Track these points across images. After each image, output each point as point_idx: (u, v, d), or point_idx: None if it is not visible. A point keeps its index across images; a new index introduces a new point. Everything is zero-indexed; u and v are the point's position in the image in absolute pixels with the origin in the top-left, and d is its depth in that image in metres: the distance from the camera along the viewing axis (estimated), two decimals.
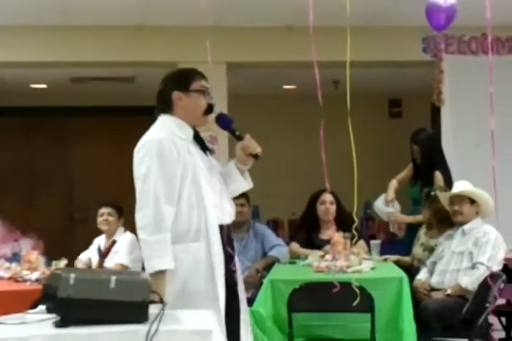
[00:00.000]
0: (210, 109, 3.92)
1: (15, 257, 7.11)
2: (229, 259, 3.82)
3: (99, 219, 6.43)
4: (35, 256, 5.95)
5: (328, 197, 6.48)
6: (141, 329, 2.86)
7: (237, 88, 8.37)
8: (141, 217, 3.64)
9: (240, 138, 3.99)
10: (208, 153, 3.96)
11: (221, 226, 3.80)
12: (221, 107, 7.58)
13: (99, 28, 7.42)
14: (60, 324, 2.91)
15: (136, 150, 3.76)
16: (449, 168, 6.81)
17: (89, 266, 6.41)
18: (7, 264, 6.10)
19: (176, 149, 3.72)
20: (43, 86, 9.66)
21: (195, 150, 3.86)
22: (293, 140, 10.29)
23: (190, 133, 3.89)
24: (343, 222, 6.41)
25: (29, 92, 9.93)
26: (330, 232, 6.14)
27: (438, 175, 6.60)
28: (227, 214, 3.88)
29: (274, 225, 10.10)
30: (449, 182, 6.52)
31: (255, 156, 4.00)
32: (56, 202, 10.51)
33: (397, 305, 5.05)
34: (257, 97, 10.40)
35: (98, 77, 8.91)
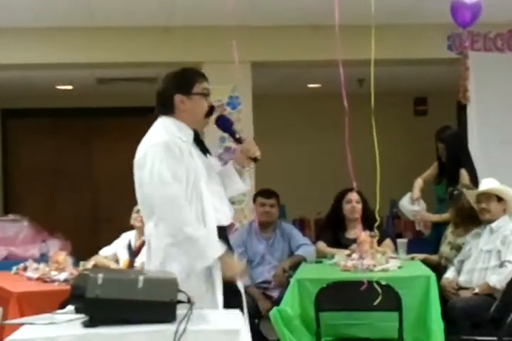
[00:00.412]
0: (211, 111, 3.91)
1: (43, 258, 7.16)
2: None
3: (134, 216, 6.36)
4: (63, 257, 5.97)
5: (354, 195, 6.46)
6: (169, 328, 2.87)
7: (262, 87, 8.37)
8: (176, 217, 3.64)
9: (239, 140, 3.97)
10: (207, 154, 3.95)
11: (219, 228, 3.81)
12: (246, 107, 7.62)
13: (124, 29, 7.45)
14: (89, 324, 2.93)
15: (141, 153, 3.76)
16: (475, 166, 6.77)
17: (114, 260, 6.33)
18: (35, 265, 6.13)
19: (181, 152, 3.72)
20: (69, 87, 9.71)
21: (196, 152, 3.86)
22: (318, 139, 10.28)
23: (191, 135, 3.87)
24: (369, 220, 6.39)
25: (55, 93, 9.99)
26: (356, 231, 6.12)
27: (463, 173, 6.57)
28: (225, 216, 3.89)
29: (301, 224, 10.10)
30: (474, 180, 6.48)
31: (254, 159, 3.95)
32: (82, 202, 10.56)
33: (425, 304, 5.03)
34: (282, 96, 10.40)
35: (124, 78, 8.94)
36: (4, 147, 10.35)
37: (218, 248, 3.71)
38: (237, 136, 3.96)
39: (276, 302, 5.56)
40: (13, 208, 9.81)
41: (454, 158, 6.70)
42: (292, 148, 10.63)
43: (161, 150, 3.68)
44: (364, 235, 5.73)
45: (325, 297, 4.92)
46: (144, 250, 6.20)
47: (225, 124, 4.01)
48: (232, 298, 3.81)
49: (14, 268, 6.30)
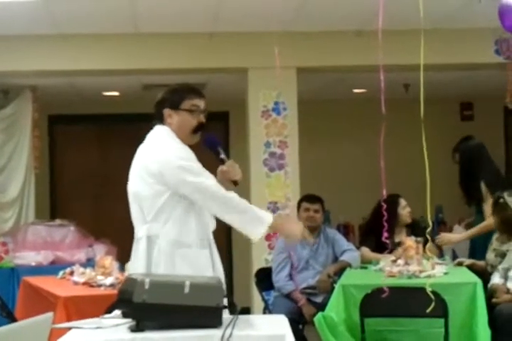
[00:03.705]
0: (199, 127, 3.96)
1: (89, 262, 7.22)
2: None
3: None
4: (109, 261, 6.01)
5: (404, 201, 6.48)
6: (215, 333, 2.88)
7: (307, 93, 8.37)
8: (225, 202, 3.79)
9: (222, 161, 4.01)
10: None
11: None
12: (292, 112, 7.62)
13: (170, 36, 7.49)
14: (136, 328, 2.95)
15: (161, 164, 3.82)
16: (500, 174, 6.67)
17: None
18: (82, 269, 6.18)
19: (190, 153, 3.89)
20: (115, 93, 9.79)
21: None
22: (363, 144, 10.23)
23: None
24: (414, 226, 6.36)
25: (101, 100, 10.07)
26: (402, 236, 6.10)
27: (482, 187, 6.47)
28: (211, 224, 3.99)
29: (345, 230, 10.06)
30: (497, 188, 6.35)
31: (234, 183, 3.98)
32: (128, 207, 10.59)
33: (471, 311, 4.99)
34: (327, 102, 10.38)
35: (169, 84, 8.97)
36: (51, 152, 10.44)
37: (269, 214, 3.85)
38: (221, 156, 3.97)
39: (321, 307, 5.55)
40: (60, 213, 9.89)
41: (466, 170, 6.62)
42: (337, 154, 10.61)
43: (181, 159, 3.82)
44: (409, 241, 5.70)
45: (370, 303, 4.90)
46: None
47: (211, 143, 4.03)
48: None
49: (61, 273, 6.36)
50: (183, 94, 3.99)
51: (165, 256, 3.81)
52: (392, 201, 6.46)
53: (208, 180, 3.79)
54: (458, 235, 6.59)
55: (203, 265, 3.80)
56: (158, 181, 3.83)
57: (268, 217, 3.81)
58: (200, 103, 4.00)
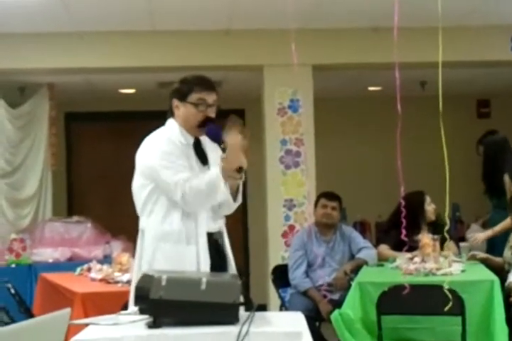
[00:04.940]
0: (205, 121, 3.90)
1: (106, 259, 7.25)
2: (214, 267, 3.84)
3: None
4: (126, 258, 6.04)
5: (429, 198, 6.45)
6: (232, 330, 2.88)
7: (323, 90, 8.36)
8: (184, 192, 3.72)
9: (224, 151, 3.84)
10: (207, 166, 3.97)
11: (209, 234, 3.87)
12: (308, 110, 7.62)
13: (186, 33, 7.51)
14: (153, 325, 2.96)
15: (142, 151, 3.96)
16: None
17: None
18: (99, 266, 6.21)
19: (176, 150, 3.86)
20: (132, 91, 9.81)
21: (193, 156, 3.94)
22: (379, 142, 10.21)
23: (191, 140, 3.96)
24: (436, 224, 6.33)
25: (118, 97, 10.09)
26: (419, 235, 6.06)
27: (506, 180, 6.47)
28: (214, 222, 3.93)
29: (361, 227, 10.05)
30: None
31: (238, 170, 3.73)
32: None
33: (489, 308, 4.97)
34: (342, 99, 10.37)
35: None
36: (68, 149, 10.48)
37: (213, 169, 3.77)
38: (222, 146, 3.83)
39: (337, 305, 5.54)
40: (77, 210, 9.92)
41: (492, 162, 6.62)
42: (353, 152, 10.59)
43: (160, 147, 3.87)
44: (426, 238, 5.68)
45: (387, 300, 4.89)
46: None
47: (212, 134, 3.91)
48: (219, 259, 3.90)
49: (78, 269, 6.40)
50: (191, 87, 3.93)
51: (147, 250, 3.85)
52: (419, 197, 6.44)
53: (173, 176, 3.75)
54: (482, 234, 6.55)
55: (185, 261, 3.74)
56: (141, 174, 3.91)
57: (215, 176, 3.72)
58: (209, 97, 3.93)
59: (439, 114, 3.52)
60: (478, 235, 6.56)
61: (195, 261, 3.78)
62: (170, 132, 3.96)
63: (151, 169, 3.84)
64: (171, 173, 3.76)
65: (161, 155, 3.83)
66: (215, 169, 3.75)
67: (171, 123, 4.01)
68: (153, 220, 3.86)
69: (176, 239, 3.79)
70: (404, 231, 3.70)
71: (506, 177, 6.50)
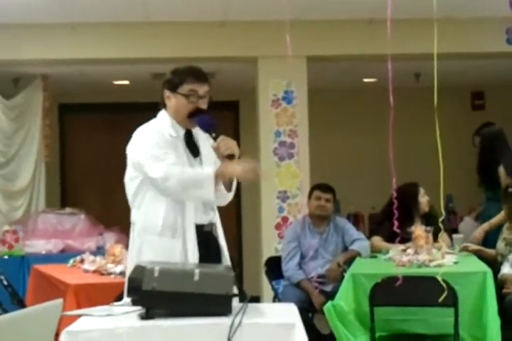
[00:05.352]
0: (195, 112, 3.87)
1: (99, 250, 7.25)
2: (206, 258, 3.80)
3: None
4: (119, 250, 6.04)
5: (423, 189, 6.45)
6: (225, 321, 2.89)
7: (317, 82, 8.35)
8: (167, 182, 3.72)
9: (215, 140, 3.82)
10: (198, 158, 3.95)
11: (199, 227, 3.84)
12: (302, 101, 7.61)
13: (180, 24, 7.49)
14: (145, 316, 2.96)
15: (132, 143, 3.98)
16: None
17: None
18: (92, 257, 6.22)
19: (164, 142, 3.84)
20: (125, 82, 9.79)
21: (183, 148, 3.92)
22: (374, 133, 10.19)
23: (182, 132, 3.94)
24: (429, 215, 6.33)
25: (111, 89, 10.07)
26: (413, 226, 6.06)
27: (501, 172, 6.47)
28: (203, 213, 3.89)
29: (355, 219, 10.06)
30: None
31: (229, 157, 3.73)
32: None
33: (481, 300, 4.98)
34: (337, 91, 10.36)
35: None
36: (62, 141, 10.46)
37: (207, 169, 3.76)
38: (213, 135, 3.81)
39: (330, 296, 5.55)
40: (70, 201, 9.92)
41: (488, 154, 6.63)
42: (347, 143, 10.59)
43: (148, 139, 3.88)
44: (419, 230, 5.68)
45: (380, 292, 4.89)
46: None
47: (203, 124, 3.88)
48: (211, 251, 3.87)
49: (71, 261, 6.40)
50: (183, 77, 3.91)
51: (135, 242, 3.86)
52: (412, 189, 6.44)
53: (156, 171, 3.74)
54: (478, 232, 6.47)
55: (171, 254, 3.72)
56: (131, 166, 3.90)
57: (205, 175, 3.72)
58: (200, 88, 3.90)
59: (434, 106, 3.52)
60: (474, 234, 6.53)
61: (183, 254, 3.75)
62: (160, 124, 3.94)
63: (139, 160, 3.82)
64: (157, 160, 3.76)
65: (150, 146, 3.82)
66: (209, 169, 3.74)
67: (162, 115, 4.00)
68: (141, 212, 3.86)
69: (161, 231, 3.78)
70: (396, 223, 3.66)
71: (501, 169, 6.51)
